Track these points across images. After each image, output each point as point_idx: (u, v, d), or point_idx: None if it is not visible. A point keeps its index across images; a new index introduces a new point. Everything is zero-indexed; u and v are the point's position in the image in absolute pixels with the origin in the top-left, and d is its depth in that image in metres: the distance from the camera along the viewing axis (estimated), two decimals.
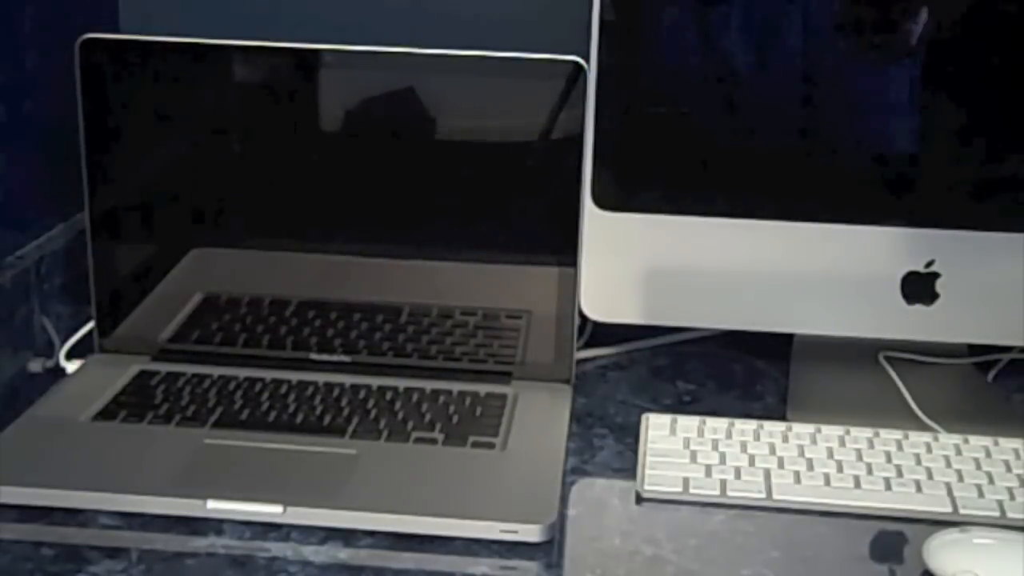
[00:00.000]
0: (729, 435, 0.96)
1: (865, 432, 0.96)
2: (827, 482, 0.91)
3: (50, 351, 1.08)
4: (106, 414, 0.97)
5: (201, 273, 1.06)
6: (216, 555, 0.83)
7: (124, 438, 0.94)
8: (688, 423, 0.97)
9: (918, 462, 0.92)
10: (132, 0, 1.26)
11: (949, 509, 0.88)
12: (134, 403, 0.99)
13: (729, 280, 1.03)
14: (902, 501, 0.89)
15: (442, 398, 1.00)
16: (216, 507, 0.85)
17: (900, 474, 0.91)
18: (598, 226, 1.03)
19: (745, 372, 1.11)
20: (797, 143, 1.02)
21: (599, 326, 1.08)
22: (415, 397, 1.00)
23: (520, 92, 1.00)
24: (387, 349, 1.05)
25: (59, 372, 1.06)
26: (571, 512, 0.89)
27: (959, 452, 0.93)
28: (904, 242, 1.01)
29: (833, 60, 1.00)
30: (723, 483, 0.90)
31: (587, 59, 0.99)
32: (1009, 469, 0.92)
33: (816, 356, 1.09)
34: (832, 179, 1.02)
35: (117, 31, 1.25)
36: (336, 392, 1.01)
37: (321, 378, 1.03)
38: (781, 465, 0.92)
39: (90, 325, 1.07)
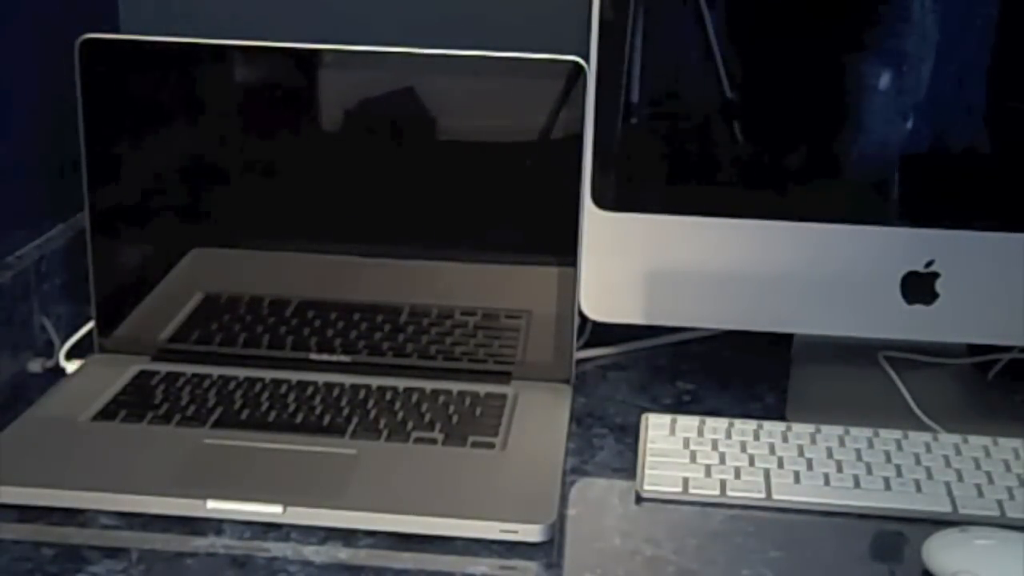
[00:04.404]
0: (729, 435, 0.96)
1: (865, 432, 0.96)
2: (827, 482, 0.91)
3: (50, 351, 1.08)
4: (106, 414, 0.97)
5: (201, 273, 1.06)
6: (216, 555, 0.83)
7: (124, 438, 0.94)
8: (688, 423, 0.97)
9: (918, 462, 0.92)
10: (132, 0, 1.26)
11: (949, 509, 0.88)
12: (134, 403, 0.99)
13: (729, 280, 1.03)
14: (902, 501, 0.89)
15: (442, 398, 1.00)
16: (216, 507, 0.86)
17: (900, 474, 0.91)
18: (598, 226, 1.03)
19: (745, 372, 1.11)
20: (797, 143, 1.02)
21: (599, 326, 1.08)
22: (415, 397, 1.01)
23: (520, 92, 1.00)
24: (387, 349, 1.05)
25: (59, 372, 1.06)
26: (571, 512, 0.89)
27: (959, 452, 0.94)
28: (904, 242, 1.01)
29: (833, 59, 1.00)
30: (723, 483, 0.90)
31: (587, 59, 0.99)
32: (1009, 469, 0.92)
33: (816, 356, 1.09)
34: (832, 179, 1.02)
35: (117, 31, 1.25)
36: (336, 392, 1.01)
37: (321, 378, 1.03)
38: (781, 465, 0.92)
39: (90, 325, 1.07)
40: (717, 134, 1.02)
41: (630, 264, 1.04)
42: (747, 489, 0.90)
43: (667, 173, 1.03)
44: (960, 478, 0.91)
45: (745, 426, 0.97)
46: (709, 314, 1.05)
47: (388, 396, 1.01)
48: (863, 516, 0.89)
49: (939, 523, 0.86)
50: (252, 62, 1.02)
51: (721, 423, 0.97)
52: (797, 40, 1.00)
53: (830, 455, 0.93)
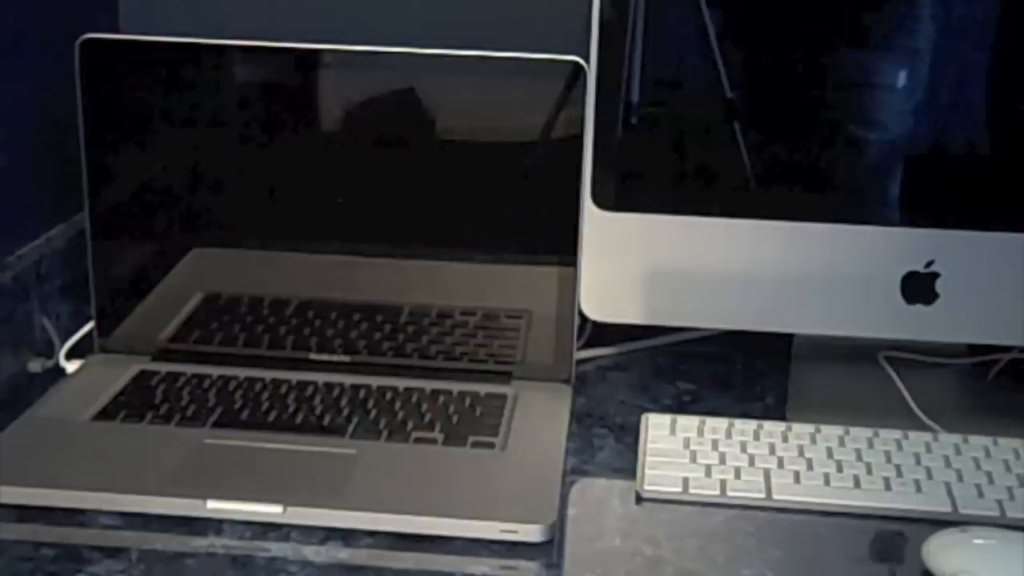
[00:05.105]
0: (729, 435, 0.96)
1: (865, 432, 0.96)
2: (827, 482, 0.91)
3: (50, 351, 1.08)
4: (106, 414, 0.97)
5: (201, 273, 1.06)
6: (216, 555, 0.83)
7: (124, 438, 0.94)
8: (688, 423, 0.97)
9: (918, 462, 0.92)
10: (132, 0, 1.26)
11: (949, 509, 0.88)
12: (134, 403, 0.99)
13: (729, 280, 1.03)
14: (902, 501, 0.89)
15: (442, 398, 1.00)
16: (216, 507, 0.86)
17: (900, 474, 0.91)
18: (598, 226, 1.03)
19: (745, 372, 1.11)
20: (796, 143, 1.02)
21: (599, 326, 1.08)
22: (415, 397, 1.01)
23: (520, 92, 1.00)
24: (387, 349, 1.05)
25: (59, 372, 1.06)
26: (571, 512, 0.89)
27: (959, 452, 0.94)
28: (904, 242, 1.01)
29: (833, 60, 1.00)
30: (723, 483, 0.90)
31: (587, 59, 0.99)
32: (1009, 469, 0.92)
33: (816, 356, 1.09)
34: (832, 179, 1.02)
35: (117, 31, 1.25)
36: (336, 392, 1.01)
37: (321, 378, 1.03)
38: (781, 465, 0.92)
39: (90, 325, 1.07)
40: (717, 134, 1.02)
41: (630, 264, 1.04)
42: (747, 489, 0.90)
43: (667, 173, 1.03)
44: (960, 478, 0.91)
45: (745, 426, 0.97)
46: (709, 314, 1.06)
47: (388, 396, 1.01)
48: (863, 516, 0.89)
49: (939, 523, 0.86)
50: (252, 62, 1.02)
51: (721, 423, 0.97)
52: (796, 40, 1.00)
53: (830, 455, 0.93)
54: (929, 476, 0.91)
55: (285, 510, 0.85)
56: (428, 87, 1.01)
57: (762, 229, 1.02)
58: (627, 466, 0.94)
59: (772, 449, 0.94)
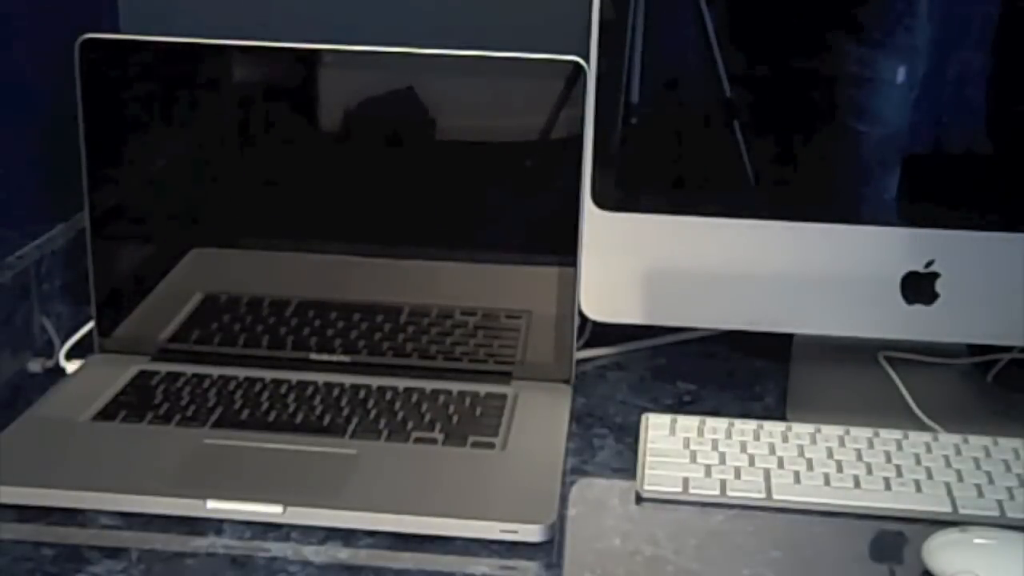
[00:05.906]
0: (729, 435, 0.96)
1: (865, 432, 0.96)
2: (827, 482, 0.91)
3: (50, 351, 1.08)
4: (106, 414, 0.97)
5: (201, 273, 1.07)
6: (216, 555, 0.83)
7: (124, 438, 0.94)
8: (688, 423, 0.97)
9: (918, 462, 0.92)
10: (132, 0, 1.26)
11: (949, 509, 0.88)
12: (134, 403, 0.99)
13: (729, 280, 1.03)
14: (902, 501, 0.89)
15: (442, 398, 1.00)
16: (216, 507, 0.86)
17: (900, 474, 0.91)
18: (598, 226, 1.03)
19: (745, 372, 1.11)
20: (796, 143, 1.02)
21: (599, 326, 1.08)
22: (415, 397, 1.01)
23: (520, 92, 1.00)
24: (387, 349, 1.05)
25: (59, 372, 1.06)
26: (571, 512, 0.89)
27: (959, 452, 0.94)
28: (904, 242, 1.01)
29: (833, 59, 1.00)
30: (723, 483, 0.90)
31: (587, 59, 0.99)
32: (1009, 469, 0.92)
33: (816, 356, 1.09)
34: (832, 179, 1.02)
35: (117, 31, 1.25)
36: (336, 392, 1.01)
37: (321, 378, 1.03)
38: (781, 465, 0.92)
39: (90, 325, 1.07)
40: (717, 134, 1.02)
41: (630, 264, 1.04)
42: (747, 489, 0.90)
43: (667, 173, 1.03)
44: (960, 478, 0.91)
45: (745, 426, 0.97)
46: (709, 314, 1.06)
47: (388, 396, 1.01)
48: (863, 516, 0.89)
49: (939, 523, 0.86)
50: (252, 62, 1.02)
51: (721, 423, 0.97)
52: (796, 40, 1.00)
53: (830, 455, 0.93)
54: (929, 476, 0.91)
55: (285, 510, 0.85)
56: (428, 87, 1.01)
57: (762, 229, 1.02)
58: (627, 466, 0.94)
59: (772, 449, 0.94)
